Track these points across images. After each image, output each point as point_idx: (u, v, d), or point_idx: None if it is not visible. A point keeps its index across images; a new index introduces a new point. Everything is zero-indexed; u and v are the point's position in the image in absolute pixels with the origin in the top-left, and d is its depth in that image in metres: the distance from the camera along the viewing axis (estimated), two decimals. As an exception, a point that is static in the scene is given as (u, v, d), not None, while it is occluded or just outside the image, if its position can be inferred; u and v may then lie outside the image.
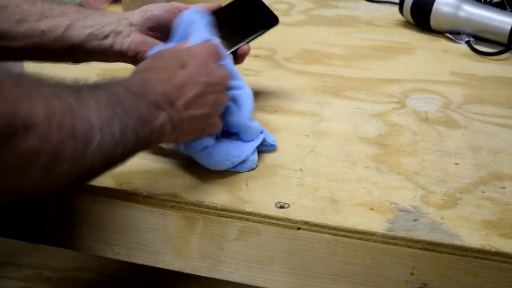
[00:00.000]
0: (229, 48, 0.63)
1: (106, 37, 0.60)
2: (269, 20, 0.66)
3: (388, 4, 1.09)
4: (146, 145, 0.47)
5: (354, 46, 0.89)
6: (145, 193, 0.53)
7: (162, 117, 0.46)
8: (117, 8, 0.99)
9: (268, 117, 0.67)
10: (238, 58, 0.64)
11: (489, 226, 0.50)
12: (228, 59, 0.56)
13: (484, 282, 0.49)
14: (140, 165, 0.57)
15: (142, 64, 0.52)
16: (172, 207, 0.52)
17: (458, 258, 0.48)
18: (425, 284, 0.50)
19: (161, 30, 0.62)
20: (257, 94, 0.72)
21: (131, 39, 0.60)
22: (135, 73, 0.50)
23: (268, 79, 0.77)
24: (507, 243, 0.48)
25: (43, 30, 0.58)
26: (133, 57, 0.61)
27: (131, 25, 0.61)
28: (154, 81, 0.48)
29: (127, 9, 0.98)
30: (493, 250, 0.47)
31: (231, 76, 0.55)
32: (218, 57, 0.54)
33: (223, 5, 0.66)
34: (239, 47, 0.64)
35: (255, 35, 0.65)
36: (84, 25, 0.59)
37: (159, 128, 0.46)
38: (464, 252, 0.48)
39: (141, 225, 0.54)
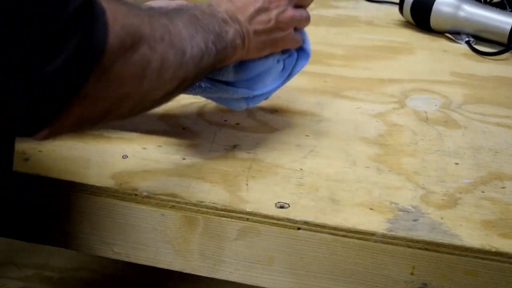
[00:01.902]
0: None
1: None
2: None
3: (388, 4, 1.09)
4: (224, 58, 0.52)
5: (354, 46, 0.89)
6: (145, 193, 0.53)
7: (231, 31, 0.52)
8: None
9: (268, 117, 0.67)
10: None
11: (489, 226, 0.50)
12: None
13: (484, 282, 0.49)
14: (140, 165, 0.57)
15: None
16: (172, 207, 0.52)
17: (458, 258, 0.48)
18: (425, 284, 0.50)
19: None
20: (257, 94, 0.72)
21: None
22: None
23: (268, 79, 0.77)
24: (507, 243, 0.48)
25: None
26: None
27: None
28: (218, 2, 0.54)
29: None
30: (493, 250, 0.47)
31: None
32: None
33: None
34: None
35: None
36: None
37: (231, 42, 0.52)
38: (464, 252, 0.48)
39: (141, 225, 0.54)
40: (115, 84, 0.40)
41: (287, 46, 0.59)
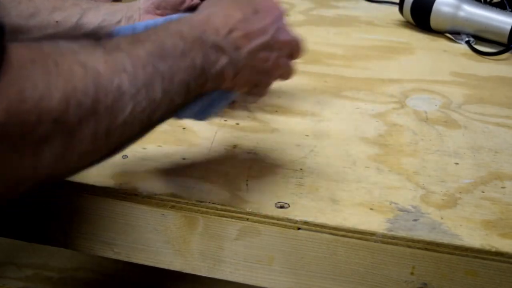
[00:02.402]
0: None
1: (118, 22, 0.62)
2: None
3: (388, 4, 1.09)
4: (199, 92, 0.44)
5: (354, 46, 0.89)
6: (145, 193, 0.53)
7: (222, 61, 0.44)
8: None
9: (268, 117, 0.67)
10: None
11: (489, 226, 0.50)
12: None
13: (484, 282, 0.49)
14: (140, 165, 0.57)
15: (212, 0, 0.48)
16: (172, 207, 0.52)
17: (458, 258, 0.48)
18: (425, 284, 0.50)
19: (168, 7, 0.64)
20: (257, 94, 0.72)
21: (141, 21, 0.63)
22: (201, 9, 0.47)
23: (268, 79, 0.77)
24: (507, 243, 0.48)
25: (57, 21, 0.59)
26: None
27: (139, 9, 0.63)
28: (222, 17, 0.45)
29: (127, 9, 0.98)
30: (493, 250, 0.47)
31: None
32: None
33: None
34: None
35: None
36: (97, 13, 0.61)
37: (217, 74, 0.44)
38: (464, 252, 0.48)
39: (141, 225, 0.54)
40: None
41: (260, 92, 0.52)
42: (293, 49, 0.51)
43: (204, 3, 0.48)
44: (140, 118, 0.38)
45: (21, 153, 0.32)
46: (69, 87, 0.34)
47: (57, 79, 0.33)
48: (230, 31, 0.44)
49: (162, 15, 0.63)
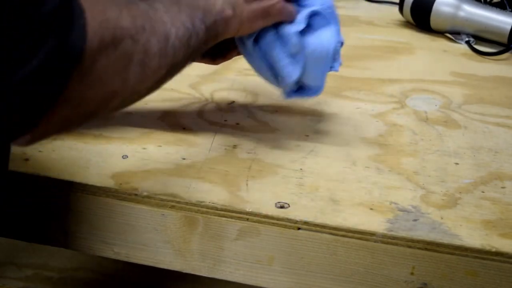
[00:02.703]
0: None
1: None
2: None
3: (388, 4, 1.09)
4: (216, 33, 0.50)
5: (354, 46, 0.89)
6: (145, 193, 0.53)
7: (220, 1, 0.50)
8: None
9: (268, 117, 0.67)
10: None
11: (489, 226, 0.50)
12: None
13: (484, 282, 0.49)
14: (140, 165, 0.57)
15: None
16: (172, 207, 0.52)
17: (458, 258, 0.48)
18: (425, 284, 0.50)
19: None
20: (257, 94, 0.72)
21: None
22: None
23: (268, 79, 0.77)
24: (507, 243, 0.48)
25: None
26: None
27: None
28: None
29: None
30: (493, 250, 0.47)
31: None
32: None
33: None
34: None
35: None
36: None
37: (221, 14, 0.50)
38: (464, 252, 0.48)
39: (141, 225, 0.54)
40: (98, 84, 0.39)
41: (279, 18, 0.55)
42: None
43: None
44: (182, 42, 0.46)
45: (115, 67, 0.40)
46: (132, 14, 0.41)
47: (123, 8, 0.40)
48: None
49: None
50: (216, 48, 0.59)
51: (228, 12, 0.50)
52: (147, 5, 0.44)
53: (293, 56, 0.56)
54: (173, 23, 0.45)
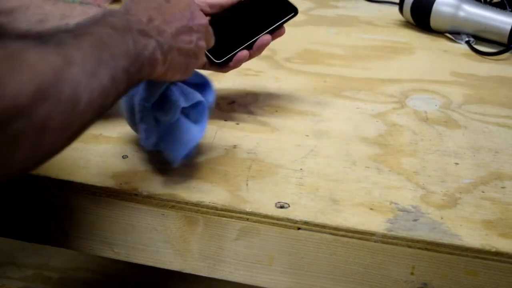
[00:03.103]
0: (247, 38, 0.64)
1: None
2: (288, 10, 0.66)
3: (388, 4, 1.09)
4: (139, 78, 0.46)
5: (354, 46, 0.89)
6: (145, 193, 0.53)
7: (151, 45, 0.46)
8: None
9: (268, 117, 0.67)
10: (256, 49, 0.64)
11: (489, 226, 0.50)
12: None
13: (484, 282, 0.49)
14: (140, 165, 0.57)
15: None
16: (172, 207, 0.52)
17: (458, 258, 0.48)
18: (425, 284, 0.50)
19: None
20: (257, 94, 0.72)
21: None
22: (122, 5, 0.49)
23: (268, 79, 0.77)
24: (507, 243, 0.48)
25: None
26: None
27: None
28: (140, 9, 0.48)
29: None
30: (493, 250, 0.47)
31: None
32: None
33: None
34: (258, 37, 0.64)
35: (274, 26, 0.65)
36: None
37: (150, 58, 0.46)
38: (464, 252, 0.48)
39: (141, 225, 0.54)
40: None
41: (188, 76, 0.53)
42: (207, 33, 0.54)
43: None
44: (95, 106, 0.40)
45: None
46: (37, 81, 0.35)
47: (27, 73, 0.34)
48: (150, 19, 0.47)
49: None
50: (224, 54, 0.62)
51: (158, 57, 0.47)
52: (61, 55, 0.37)
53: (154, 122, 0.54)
54: (88, 84, 0.39)
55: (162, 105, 0.53)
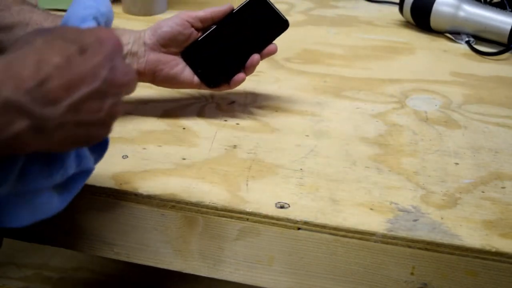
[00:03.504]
0: (240, 57, 0.63)
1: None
2: (280, 25, 0.64)
3: (388, 4, 1.09)
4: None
5: (354, 46, 0.89)
6: (145, 193, 0.53)
7: (19, 125, 0.34)
8: (117, 8, 0.99)
9: (268, 117, 0.67)
10: (247, 68, 0.64)
11: (489, 226, 0.50)
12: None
13: (484, 282, 0.49)
14: (140, 165, 0.57)
15: (28, 35, 0.39)
16: (172, 207, 0.52)
17: (458, 258, 0.48)
18: (425, 284, 0.50)
19: (173, 45, 0.62)
20: (257, 94, 0.72)
21: (146, 59, 0.61)
22: (13, 48, 0.37)
23: (268, 79, 0.77)
24: (507, 243, 0.48)
25: None
26: (151, 76, 0.62)
27: (144, 45, 0.61)
28: (34, 65, 0.35)
29: (127, 9, 0.98)
30: (493, 250, 0.47)
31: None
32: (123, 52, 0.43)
33: (234, 7, 0.64)
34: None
35: (266, 44, 0.64)
36: None
37: (12, 140, 0.34)
38: (464, 252, 0.48)
39: (141, 225, 0.54)
40: None
41: (90, 144, 0.41)
42: (129, 89, 0.42)
43: (17, 41, 0.38)
44: None
45: None
46: None
47: None
48: (42, 82, 0.34)
49: (168, 53, 0.62)
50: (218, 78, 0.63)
51: (28, 140, 0.35)
52: None
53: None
54: None
55: (47, 162, 0.40)
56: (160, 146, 0.60)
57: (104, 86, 0.39)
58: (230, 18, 0.64)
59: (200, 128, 0.64)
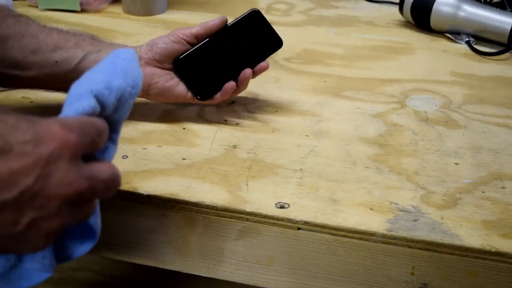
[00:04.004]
0: (232, 71, 0.63)
1: None
2: (274, 43, 0.65)
3: (388, 4, 1.09)
4: None
5: (354, 46, 0.89)
6: (145, 193, 0.53)
7: None
8: (117, 8, 0.99)
9: (268, 117, 0.67)
10: (239, 83, 0.64)
11: (489, 226, 0.50)
12: (111, 151, 0.42)
13: (484, 282, 0.49)
14: (140, 165, 0.57)
15: None
16: (172, 207, 0.52)
17: (458, 258, 0.48)
18: (425, 284, 0.50)
19: (168, 61, 0.63)
20: (257, 94, 0.72)
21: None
22: None
23: (268, 79, 0.77)
24: (507, 243, 0.48)
25: (56, 61, 0.58)
26: (146, 89, 0.62)
27: (140, 59, 0.62)
28: None
29: (127, 9, 0.98)
30: (493, 250, 0.47)
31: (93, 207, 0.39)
32: (90, 147, 0.37)
33: (228, 19, 0.64)
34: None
35: (259, 61, 0.64)
36: (97, 58, 0.59)
37: None
38: (464, 252, 0.48)
39: (141, 225, 0.54)
40: None
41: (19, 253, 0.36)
42: (73, 197, 0.36)
43: None
44: None
45: None
46: None
47: None
48: None
49: (163, 68, 0.63)
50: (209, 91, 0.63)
51: None
52: None
53: None
54: None
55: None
56: (160, 146, 0.60)
57: (25, 197, 0.33)
58: (224, 31, 0.63)
59: (200, 128, 0.64)
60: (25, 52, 0.57)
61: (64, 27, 0.62)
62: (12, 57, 0.56)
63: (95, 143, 0.37)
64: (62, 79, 0.59)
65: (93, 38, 0.62)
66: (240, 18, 0.64)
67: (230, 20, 0.64)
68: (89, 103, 0.38)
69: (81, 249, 0.40)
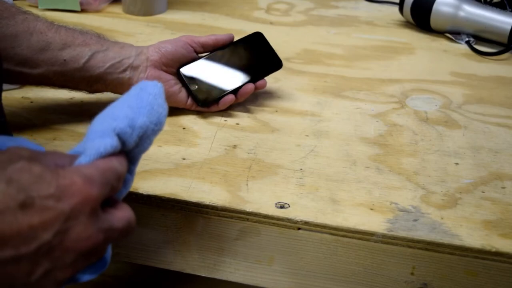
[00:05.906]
0: (232, 85, 0.67)
1: (124, 70, 0.61)
2: (275, 64, 0.70)
3: (388, 4, 1.09)
4: None
5: (354, 46, 0.89)
6: (145, 193, 0.53)
7: None
8: (117, 8, 0.99)
9: (268, 117, 0.67)
10: (239, 96, 0.67)
11: (489, 226, 0.50)
12: (128, 184, 0.42)
13: (484, 282, 0.49)
14: (140, 165, 0.56)
15: None
16: (172, 207, 0.52)
17: (458, 258, 0.48)
18: (425, 284, 0.50)
19: (174, 66, 0.65)
20: (257, 94, 0.72)
21: (147, 75, 0.63)
22: None
23: (268, 79, 0.77)
24: (507, 243, 0.48)
25: (65, 60, 0.58)
26: None
27: (147, 60, 0.63)
28: None
29: (127, 9, 0.98)
30: (493, 250, 0.47)
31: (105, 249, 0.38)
32: (109, 194, 0.37)
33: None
34: (242, 85, 0.67)
35: (258, 78, 0.68)
36: (105, 57, 0.60)
37: None
38: (464, 252, 0.48)
39: (141, 225, 0.54)
40: None
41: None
42: (98, 247, 0.36)
43: None
44: None
45: None
46: None
47: None
48: None
49: (168, 72, 0.64)
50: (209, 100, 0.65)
51: None
52: None
53: None
54: None
55: None
56: (160, 146, 0.60)
57: (42, 251, 0.33)
58: (230, 46, 0.68)
59: (200, 128, 0.64)
60: (34, 49, 0.57)
61: (64, 27, 0.62)
62: (21, 55, 0.57)
63: (114, 189, 0.38)
64: (69, 77, 0.59)
65: (99, 37, 0.63)
66: (245, 37, 0.70)
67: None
68: (111, 143, 0.38)
69: (91, 276, 0.39)
